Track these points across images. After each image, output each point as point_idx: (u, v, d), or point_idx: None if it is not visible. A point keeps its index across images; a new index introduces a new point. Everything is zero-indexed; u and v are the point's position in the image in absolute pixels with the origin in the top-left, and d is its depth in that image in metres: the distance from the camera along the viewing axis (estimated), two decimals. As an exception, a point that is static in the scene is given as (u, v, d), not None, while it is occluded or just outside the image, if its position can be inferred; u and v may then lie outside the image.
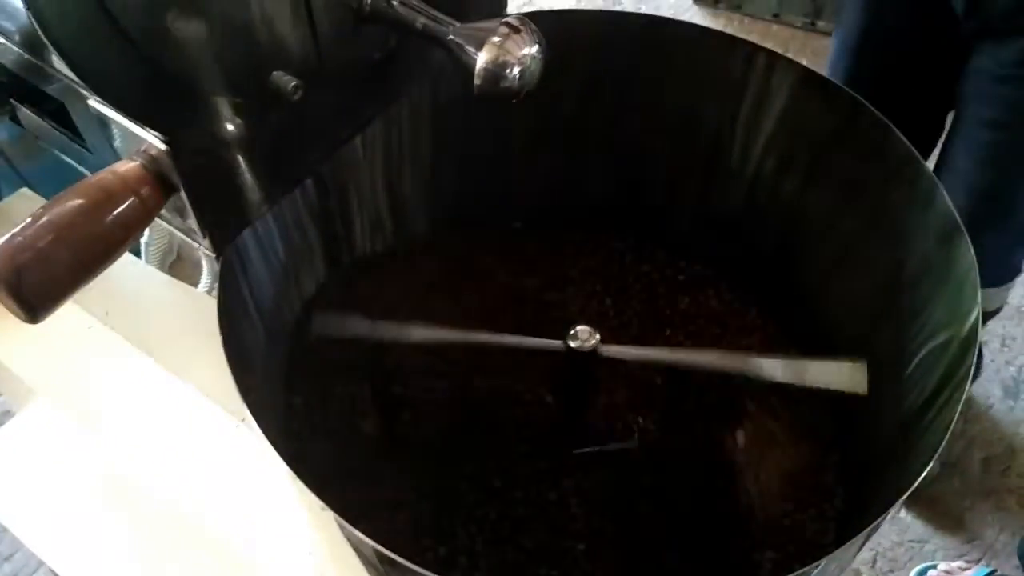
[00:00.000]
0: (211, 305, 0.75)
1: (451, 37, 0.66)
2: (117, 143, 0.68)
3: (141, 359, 0.98)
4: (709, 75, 1.01)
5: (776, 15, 2.61)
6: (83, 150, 0.77)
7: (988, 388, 1.95)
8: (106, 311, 1.04)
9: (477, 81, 0.65)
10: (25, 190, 1.19)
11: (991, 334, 2.01)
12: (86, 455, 0.94)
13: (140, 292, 1.07)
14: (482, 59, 0.64)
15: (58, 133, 0.78)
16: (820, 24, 2.50)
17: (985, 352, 1.99)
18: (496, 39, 0.64)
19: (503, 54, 0.64)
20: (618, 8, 2.69)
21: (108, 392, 0.97)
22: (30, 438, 0.96)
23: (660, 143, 1.10)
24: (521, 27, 0.65)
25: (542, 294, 1.15)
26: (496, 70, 0.64)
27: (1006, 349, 2.03)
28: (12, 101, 0.79)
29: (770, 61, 0.95)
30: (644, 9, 2.68)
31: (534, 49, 0.65)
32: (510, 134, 1.09)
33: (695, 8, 2.70)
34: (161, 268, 1.61)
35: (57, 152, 0.83)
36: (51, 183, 0.99)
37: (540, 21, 0.98)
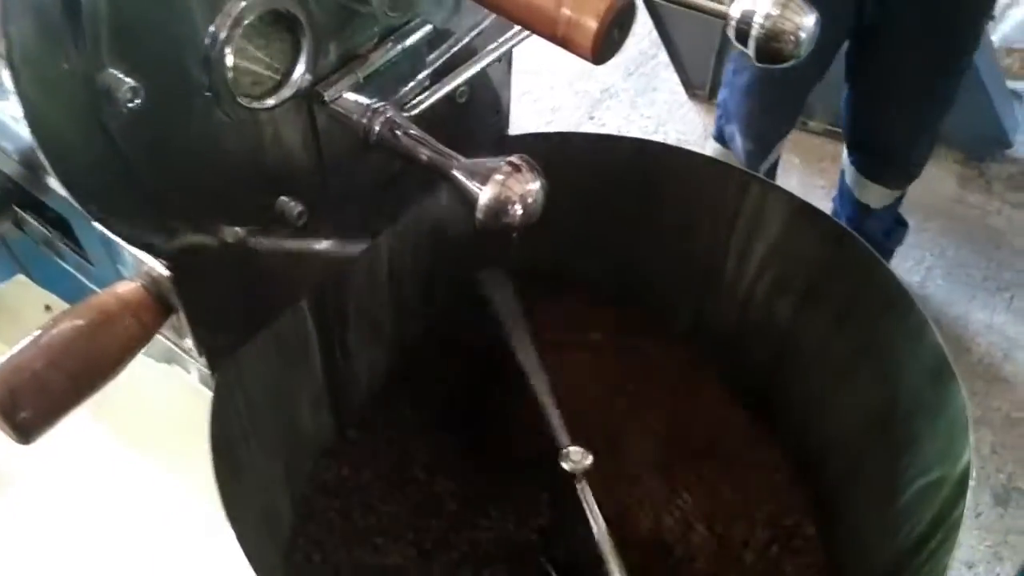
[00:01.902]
0: (207, 400, 0.75)
1: (455, 171, 0.68)
2: (119, 261, 0.68)
3: (128, 454, 0.97)
4: (703, 198, 1.03)
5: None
6: (85, 262, 0.78)
7: (978, 496, 1.93)
8: (97, 402, 1.03)
9: (479, 216, 0.66)
10: (21, 277, 1.19)
11: (981, 441, 2.01)
12: (59, 548, 0.92)
13: (134, 381, 1.06)
14: (485, 196, 0.65)
15: (60, 244, 0.79)
16: (811, 124, 2.56)
17: (975, 459, 1.99)
18: (499, 177, 0.65)
19: (505, 192, 0.65)
20: (614, 100, 2.76)
21: (89, 486, 0.95)
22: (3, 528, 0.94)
23: (655, 259, 1.11)
24: (523, 165, 0.67)
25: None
26: (498, 207, 0.65)
27: (996, 456, 2.02)
28: (15, 208, 0.80)
29: (763, 190, 0.97)
30: (640, 103, 2.74)
31: (535, 187, 0.66)
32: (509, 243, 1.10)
33: (690, 104, 2.77)
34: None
35: (58, 260, 0.83)
36: (49, 272, 0.99)
37: (542, 141, 1.02)
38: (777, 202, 0.97)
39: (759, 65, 0.73)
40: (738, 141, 1.90)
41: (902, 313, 0.87)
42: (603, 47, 0.63)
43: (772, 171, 2.11)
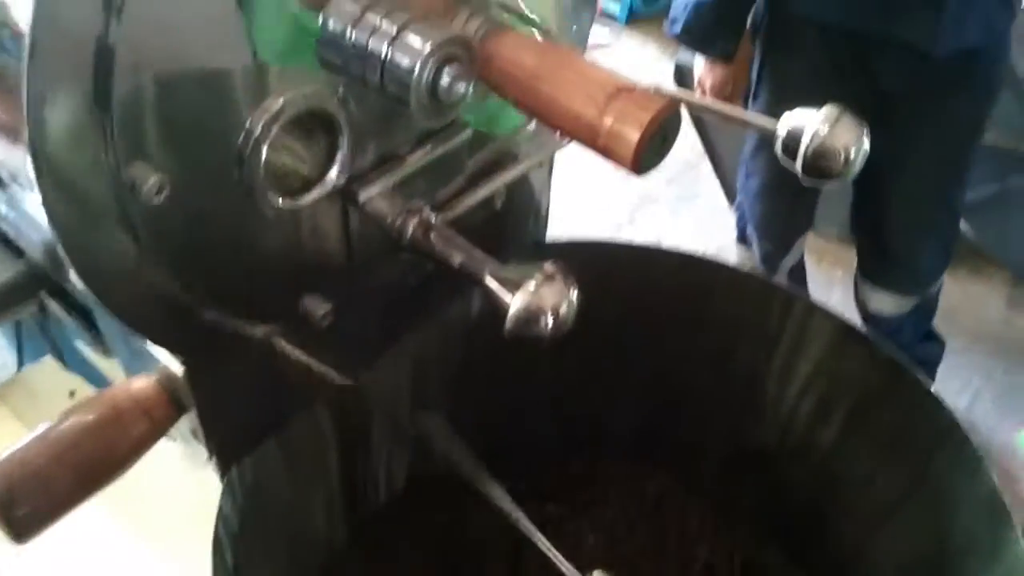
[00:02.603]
0: (217, 489, 0.72)
1: (487, 277, 0.65)
2: (136, 354, 0.66)
3: (125, 536, 0.93)
4: (744, 315, 0.99)
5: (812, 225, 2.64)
6: (104, 352, 0.76)
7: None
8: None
9: (508, 325, 0.63)
10: (49, 359, 1.18)
11: None
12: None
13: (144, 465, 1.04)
14: (516, 304, 0.62)
15: (83, 331, 0.78)
16: (825, 229, 2.53)
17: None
18: (531, 285, 0.63)
19: (537, 301, 0.62)
20: (655, 206, 2.76)
21: (84, 566, 0.91)
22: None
23: (693, 375, 1.07)
24: (557, 275, 0.64)
25: (561, 525, 1.10)
26: (528, 317, 0.62)
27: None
28: (42, 294, 0.79)
29: (808, 309, 0.93)
30: (681, 211, 2.73)
31: (568, 298, 0.63)
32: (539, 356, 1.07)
33: (731, 214, 2.76)
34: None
35: (79, 346, 0.82)
36: (76, 357, 0.98)
37: (580, 251, 1.00)
38: (822, 323, 0.93)
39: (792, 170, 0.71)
40: (756, 242, 1.92)
41: (956, 447, 0.82)
42: (645, 158, 0.62)
43: (800, 271, 2.08)
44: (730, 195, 2.77)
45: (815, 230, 2.64)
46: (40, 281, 0.77)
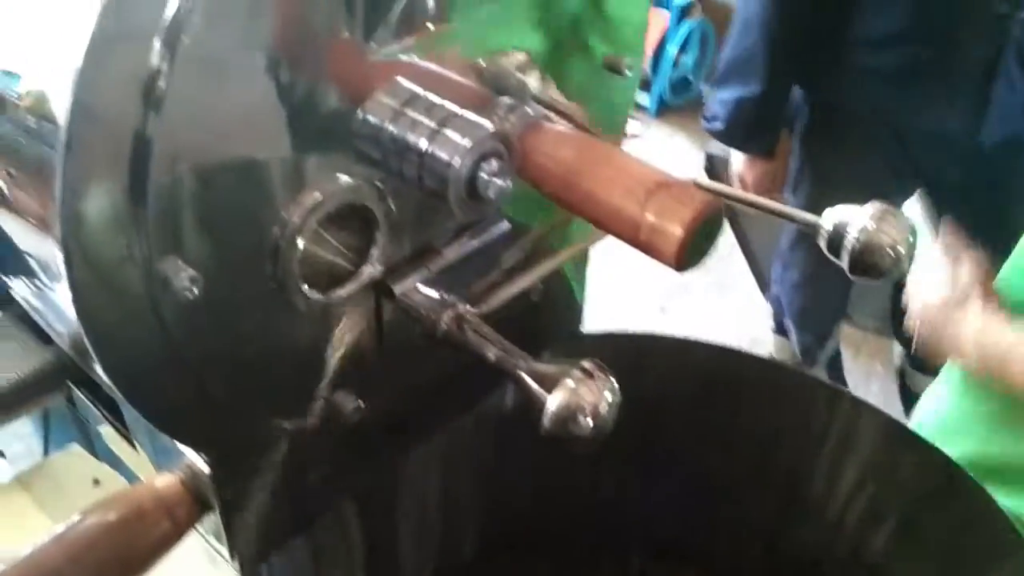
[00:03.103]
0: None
1: (522, 373, 0.63)
2: (160, 451, 0.64)
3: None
4: (785, 411, 0.96)
5: (848, 316, 2.60)
6: (130, 445, 0.74)
7: None
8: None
9: (546, 424, 0.60)
10: (75, 446, 1.17)
11: None
12: None
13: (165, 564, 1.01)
14: (553, 402, 0.60)
15: (109, 422, 0.76)
16: (860, 320, 2.49)
17: None
18: (570, 383, 0.60)
19: (575, 400, 0.60)
20: (688, 296, 2.73)
21: None
22: None
23: (732, 472, 1.03)
24: (596, 372, 0.62)
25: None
26: (567, 416, 0.60)
27: None
28: (69, 383, 0.78)
29: (855, 408, 0.90)
30: (714, 299, 2.70)
31: (608, 397, 0.61)
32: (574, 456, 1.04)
33: (765, 305, 2.73)
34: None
35: (105, 435, 0.80)
36: (103, 446, 0.96)
37: (614, 342, 0.98)
38: (870, 420, 0.89)
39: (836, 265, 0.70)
40: (794, 334, 1.88)
41: (1017, 563, 0.77)
42: (687, 255, 0.60)
43: (836, 361, 2.04)
44: (763, 286, 2.74)
45: (851, 322, 2.61)
46: (67, 370, 0.76)
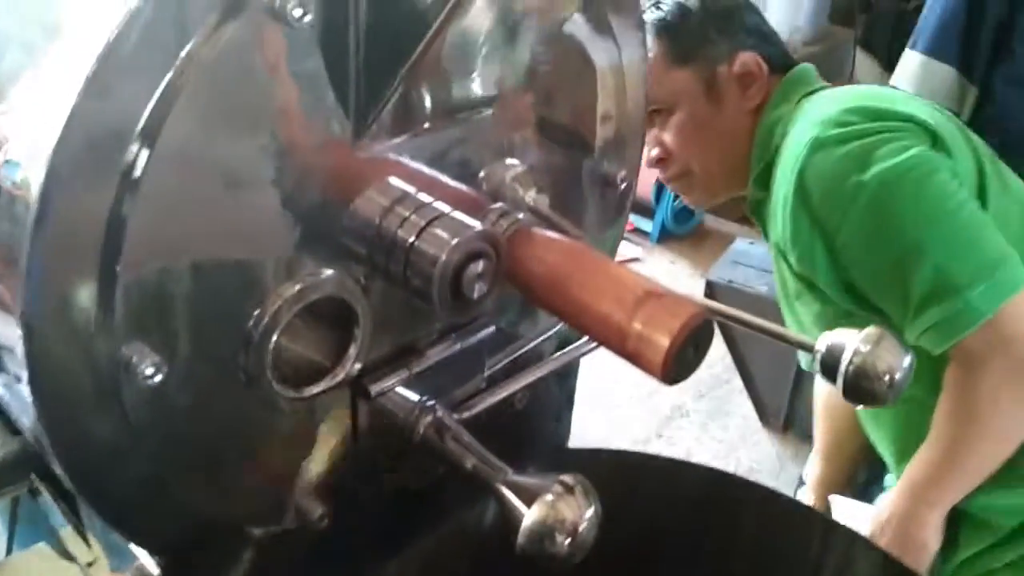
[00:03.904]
0: None
1: (500, 485, 0.60)
2: (114, 550, 0.61)
3: None
4: (779, 540, 0.92)
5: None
6: (85, 544, 0.71)
7: None
8: None
9: (521, 540, 0.57)
10: (43, 545, 1.12)
11: None
12: None
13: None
14: (530, 518, 0.57)
15: (68, 518, 0.73)
16: None
17: None
18: (548, 497, 0.57)
19: (553, 516, 0.57)
20: (685, 420, 2.69)
21: None
22: None
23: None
24: (576, 488, 0.59)
25: None
26: (544, 532, 0.57)
27: None
28: (33, 476, 0.74)
29: (850, 541, 0.86)
30: (711, 427, 2.66)
31: (588, 514, 0.58)
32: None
33: (763, 432, 2.68)
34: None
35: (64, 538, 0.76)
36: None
37: (603, 460, 0.94)
38: (864, 555, 0.85)
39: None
40: None
41: None
42: (675, 366, 0.58)
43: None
44: (762, 412, 2.71)
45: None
46: (32, 462, 0.73)
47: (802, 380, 2.52)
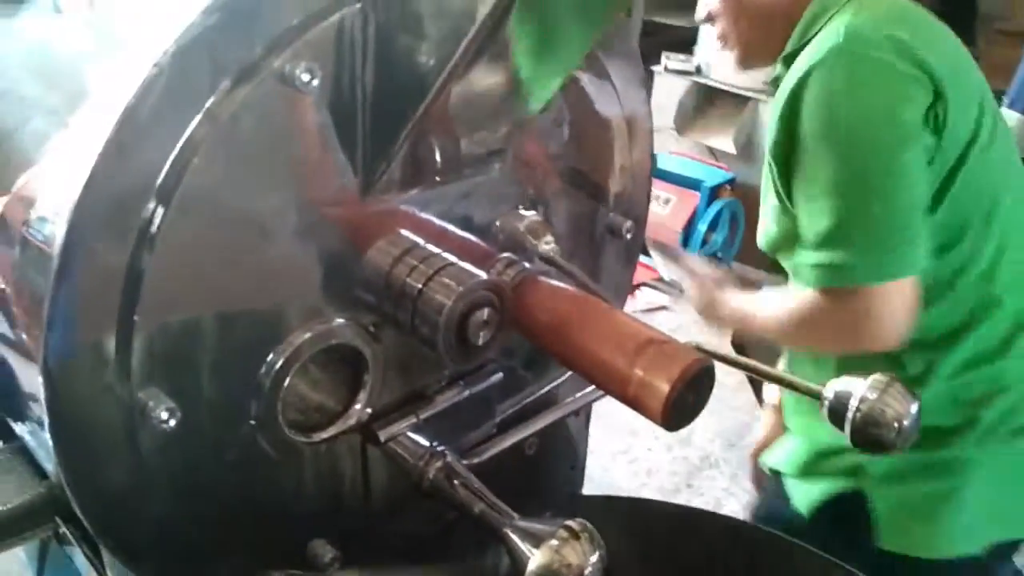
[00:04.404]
0: None
1: (507, 530, 0.61)
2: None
3: None
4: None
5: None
6: (105, 585, 0.72)
7: None
8: None
9: (525, 585, 0.58)
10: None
11: None
12: None
13: None
14: (535, 562, 0.58)
15: (91, 561, 0.74)
16: None
17: None
18: (553, 543, 0.58)
19: (558, 560, 0.58)
20: (715, 471, 2.66)
21: None
22: None
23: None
24: (582, 534, 0.60)
25: None
26: (548, 576, 0.58)
27: None
28: (57, 519, 0.76)
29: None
30: (741, 477, 2.62)
31: (592, 559, 0.58)
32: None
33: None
34: None
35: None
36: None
37: (614, 507, 0.94)
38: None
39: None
40: None
41: None
42: (674, 412, 0.59)
43: None
44: (792, 463, 2.66)
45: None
46: (57, 506, 0.75)
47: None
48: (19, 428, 0.69)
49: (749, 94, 3.38)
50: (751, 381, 2.56)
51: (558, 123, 0.70)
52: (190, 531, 0.56)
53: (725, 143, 3.50)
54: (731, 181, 3.44)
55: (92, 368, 0.48)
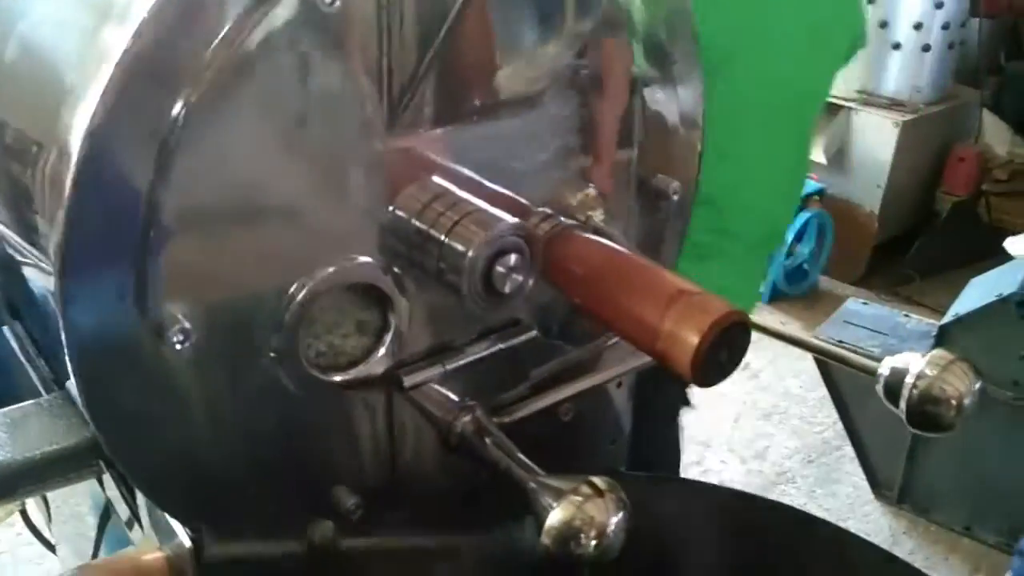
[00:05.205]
0: None
1: (531, 485, 0.60)
2: (158, 527, 0.63)
3: None
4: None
5: (967, 528, 2.37)
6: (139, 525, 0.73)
7: None
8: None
9: (544, 540, 0.56)
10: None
11: None
12: None
13: None
14: (555, 516, 0.56)
15: (126, 501, 0.76)
16: (1017, 545, 2.25)
17: None
18: (575, 497, 0.56)
19: (580, 515, 0.56)
20: (791, 486, 2.57)
21: None
22: None
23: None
24: (607, 490, 0.58)
25: None
26: (568, 532, 0.55)
27: None
28: (100, 463, 0.78)
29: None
30: (819, 494, 2.53)
31: (616, 518, 0.56)
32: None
33: (875, 503, 2.53)
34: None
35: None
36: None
37: (670, 490, 0.91)
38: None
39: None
40: None
41: None
42: (705, 367, 0.56)
43: None
44: (874, 482, 2.56)
45: (970, 532, 2.39)
46: (99, 449, 0.77)
47: (918, 451, 2.38)
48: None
49: (841, 102, 3.28)
50: (835, 400, 2.46)
51: (599, 77, 0.68)
52: (210, 464, 0.57)
53: (815, 153, 3.40)
54: (820, 192, 3.33)
55: (110, 284, 0.48)
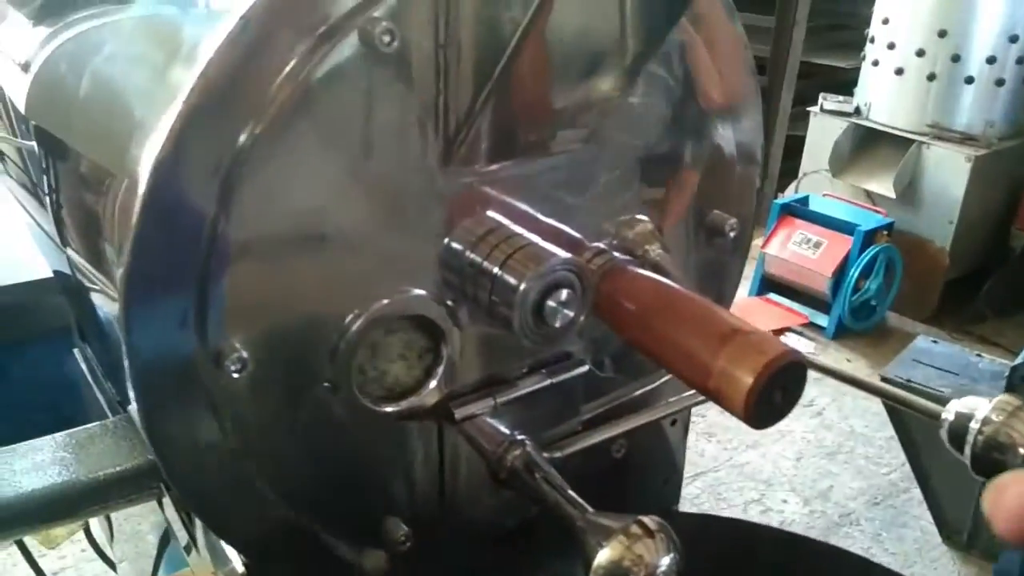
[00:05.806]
0: None
1: (579, 523, 0.59)
2: (213, 553, 0.64)
3: None
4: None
5: (1035, 555, 2.29)
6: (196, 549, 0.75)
7: None
8: None
9: (593, 578, 0.56)
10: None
11: None
12: None
13: None
14: (603, 556, 0.55)
15: (184, 524, 0.77)
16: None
17: None
18: (624, 538, 0.55)
19: (628, 556, 0.55)
20: (855, 529, 2.50)
21: None
22: None
23: None
24: (656, 531, 0.57)
25: None
26: (616, 573, 0.55)
27: None
28: (161, 486, 0.80)
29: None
30: (885, 538, 2.45)
31: (665, 561, 0.55)
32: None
33: (943, 548, 2.44)
34: None
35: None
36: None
37: (713, 527, 0.89)
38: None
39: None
40: None
41: None
42: (758, 408, 0.56)
43: None
44: (942, 527, 2.48)
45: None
46: (160, 472, 0.79)
47: (989, 495, 2.30)
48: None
49: (912, 136, 3.22)
50: (904, 442, 2.39)
51: (652, 110, 0.68)
52: (263, 492, 0.57)
53: (884, 187, 3.34)
54: (889, 226, 3.27)
55: (172, 312, 0.50)
